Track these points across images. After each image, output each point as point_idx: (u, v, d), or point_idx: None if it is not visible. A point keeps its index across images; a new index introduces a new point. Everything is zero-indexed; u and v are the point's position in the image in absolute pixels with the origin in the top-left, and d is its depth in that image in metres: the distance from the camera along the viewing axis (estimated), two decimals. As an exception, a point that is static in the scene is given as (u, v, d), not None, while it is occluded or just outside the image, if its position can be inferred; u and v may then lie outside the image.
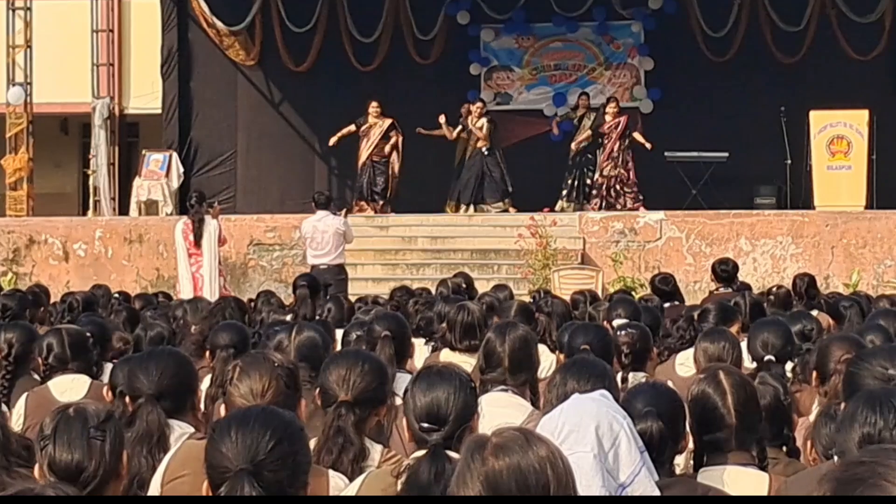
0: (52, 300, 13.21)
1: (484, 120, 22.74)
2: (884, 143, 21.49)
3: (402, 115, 22.57)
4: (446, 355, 7.47)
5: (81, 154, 27.31)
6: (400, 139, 22.33)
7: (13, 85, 24.12)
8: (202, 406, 5.93)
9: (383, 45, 24.98)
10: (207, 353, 7.39)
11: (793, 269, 18.58)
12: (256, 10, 24.73)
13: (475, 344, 6.91)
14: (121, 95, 25.79)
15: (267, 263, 21.16)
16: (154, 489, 4.77)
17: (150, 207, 23.87)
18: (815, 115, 21.01)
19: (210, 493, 3.63)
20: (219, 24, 24.85)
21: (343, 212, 19.08)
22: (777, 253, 19.93)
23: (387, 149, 22.32)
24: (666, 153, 22.80)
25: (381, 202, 22.38)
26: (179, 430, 5.16)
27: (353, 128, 22.53)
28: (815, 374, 6.26)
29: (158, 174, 24.07)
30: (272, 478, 3.55)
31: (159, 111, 25.15)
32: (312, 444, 4.36)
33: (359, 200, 22.64)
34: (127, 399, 5.31)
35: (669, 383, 5.53)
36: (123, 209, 24.34)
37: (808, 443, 5.08)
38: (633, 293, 15.10)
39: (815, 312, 10.10)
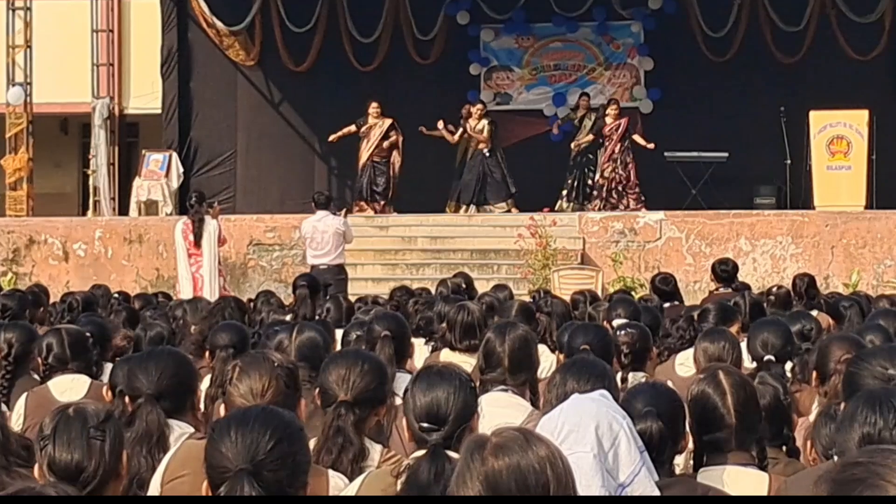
0: (51, 300, 13.20)
1: (484, 122, 22.73)
2: (884, 143, 21.49)
3: (402, 115, 22.57)
4: (446, 355, 7.47)
5: (81, 154, 27.31)
6: (400, 139, 22.33)
7: (13, 85, 24.12)
8: (202, 406, 5.93)
9: (383, 45, 24.98)
10: (207, 353, 7.39)
11: (793, 269, 18.58)
12: (256, 10, 24.73)
13: (475, 344, 6.91)
14: (121, 95, 25.80)
15: (267, 263, 21.16)
16: (154, 489, 4.77)
17: (150, 207, 23.87)
18: (814, 115, 21.01)
19: (210, 493, 3.63)
20: (219, 24, 24.85)
21: (343, 212, 19.08)
22: (777, 253, 19.93)
23: (387, 149, 22.32)
24: (666, 153, 22.81)
25: (382, 202, 22.38)
26: (179, 430, 5.16)
27: (353, 128, 22.54)
28: (815, 374, 6.26)
29: (158, 174, 24.07)
30: (272, 478, 3.55)
31: (159, 111, 25.15)
32: (312, 443, 4.36)
33: (358, 200, 22.64)
34: (126, 399, 5.31)
35: (669, 383, 5.53)
36: (123, 209, 24.34)
37: (808, 443, 5.07)
38: (633, 293, 15.10)
39: (815, 312, 10.10)
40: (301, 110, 25.40)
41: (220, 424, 3.71)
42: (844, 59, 23.58)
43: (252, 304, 11.69)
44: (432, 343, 8.93)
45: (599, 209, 21.92)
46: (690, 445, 4.73)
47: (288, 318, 9.98)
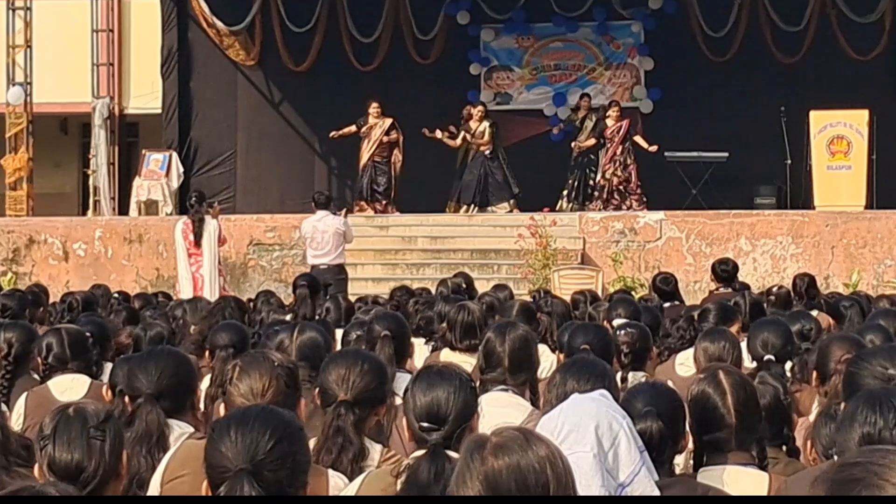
0: (51, 300, 13.20)
1: (485, 124, 22.70)
2: (884, 143, 21.48)
3: (402, 115, 22.57)
4: (446, 355, 7.47)
5: (81, 154, 27.31)
6: (401, 138, 22.34)
7: (13, 85, 24.13)
8: (202, 406, 5.93)
9: (383, 45, 24.98)
10: (207, 352, 7.39)
11: (793, 269, 18.58)
12: (256, 10, 24.73)
13: (475, 344, 6.91)
14: (121, 95, 25.80)
15: (267, 263, 21.16)
16: (153, 489, 4.77)
17: (150, 207, 23.87)
18: (815, 115, 21.01)
19: (209, 493, 3.62)
20: (219, 23, 24.85)
21: (343, 212, 19.08)
22: (777, 253, 19.93)
23: (388, 148, 22.32)
24: (666, 153, 22.81)
25: (384, 201, 22.38)
26: (179, 430, 5.16)
27: (353, 128, 22.54)
28: (815, 373, 6.26)
29: (158, 174, 24.07)
30: (272, 477, 3.55)
31: (159, 111, 25.15)
32: (312, 443, 4.36)
33: (359, 200, 22.65)
34: (126, 399, 5.31)
35: (669, 383, 5.53)
36: (123, 209, 24.34)
37: (808, 443, 5.07)
38: (633, 293, 15.10)
39: (815, 312, 10.10)
40: (301, 110, 25.40)
41: (220, 424, 3.71)
42: (844, 59, 23.58)
43: (252, 304, 11.69)
44: (432, 343, 8.93)
45: (600, 210, 21.91)
46: (690, 445, 4.72)
47: (288, 317, 9.98)
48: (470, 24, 25.32)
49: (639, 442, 4.14)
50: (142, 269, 21.15)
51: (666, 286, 13.11)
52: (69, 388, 6.85)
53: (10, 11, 24.62)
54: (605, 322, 9.04)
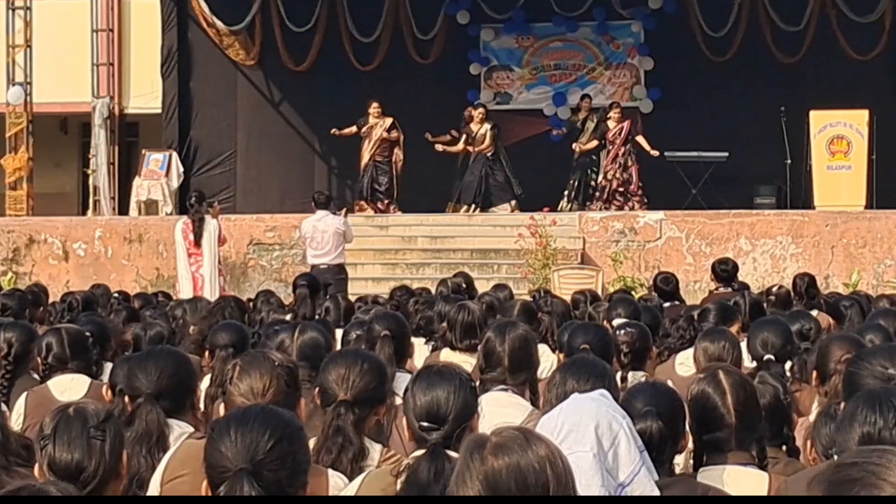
0: (51, 300, 13.20)
1: (486, 127, 22.66)
2: (884, 143, 21.48)
3: (402, 115, 22.57)
4: (446, 355, 7.47)
5: (81, 154, 27.31)
6: (401, 137, 22.34)
7: (13, 84, 24.13)
8: (201, 405, 5.93)
9: (383, 44, 24.98)
10: (207, 352, 7.39)
11: (793, 268, 18.58)
12: (256, 10, 24.73)
13: (475, 343, 6.91)
14: (121, 95, 25.80)
15: (267, 263, 21.16)
16: (153, 489, 4.77)
17: (150, 207, 23.87)
18: (815, 115, 21.00)
19: (209, 493, 3.62)
20: (219, 23, 24.85)
21: (343, 211, 19.07)
22: (777, 253, 19.93)
23: (388, 147, 22.33)
24: (666, 153, 22.80)
25: (386, 201, 22.39)
26: (179, 430, 5.16)
27: (354, 129, 22.54)
28: (815, 373, 6.26)
29: (158, 174, 24.07)
30: (271, 477, 3.55)
31: (159, 111, 25.15)
32: (312, 443, 4.36)
33: (359, 200, 22.65)
34: (126, 398, 5.31)
35: (669, 383, 5.53)
36: (123, 209, 24.34)
37: (808, 442, 5.07)
38: (633, 293, 15.11)
39: (815, 312, 10.10)
40: (301, 110, 25.40)
41: (220, 424, 3.71)
42: (844, 59, 23.59)
43: (252, 304, 11.69)
44: (432, 343, 8.93)
45: (601, 210, 21.92)
46: (690, 445, 4.72)
47: (288, 317, 9.98)
48: (470, 23, 25.32)
49: (638, 442, 4.14)
50: (142, 269, 21.15)
51: (666, 286, 13.11)
52: (69, 387, 6.85)
53: (10, 11, 24.62)
54: (604, 322, 9.03)
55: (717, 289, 13.72)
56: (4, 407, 6.58)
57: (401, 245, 21.14)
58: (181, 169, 24.41)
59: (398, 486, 4.31)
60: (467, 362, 6.57)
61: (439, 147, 22.69)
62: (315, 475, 4.12)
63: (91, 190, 25.02)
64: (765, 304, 10.79)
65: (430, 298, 11.90)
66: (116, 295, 13.76)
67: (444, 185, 22.82)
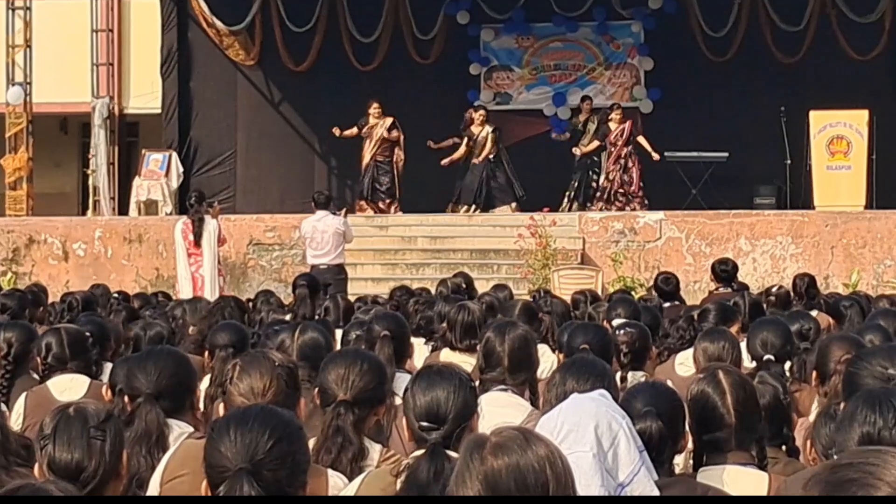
0: (51, 300, 13.20)
1: (488, 129, 22.64)
2: (884, 143, 21.49)
3: (402, 115, 22.57)
4: (446, 355, 7.48)
5: (81, 154, 27.30)
6: (401, 137, 22.34)
7: (13, 84, 24.12)
8: (201, 405, 5.92)
9: (383, 44, 24.98)
10: (206, 352, 7.39)
11: (792, 269, 18.58)
12: (256, 10, 24.73)
13: (475, 343, 6.91)
14: (120, 95, 25.79)
15: (266, 263, 21.16)
16: (153, 489, 4.77)
17: (150, 207, 23.87)
18: (814, 115, 21.00)
19: (209, 493, 3.62)
20: (218, 23, 24.86)
21: (343, 211, 19.07)
22: (777, 253, 19.92)
23: (389, 147, 22.33)
24: (666, 153, 22.81)
25: (388, 200, 22.39)
26: (178, 430, 5.16)
27: (355, 130, 22.53)
28: (814, 373, 6.26)
29: (158, 174, 24.07)
30: (271, 477, 3.55)
31: (159, 111, 25.15)
32: (311, 443, 4.36)
33: (359, 200, 22.66)
34: (126, 398, 5.31)
35: (669, 383, 5.53)
36: (123, 209, 24.34)
37: (808, 443, 5.07)
38: (633, 293, 15.10)
39: (815, 312, 10.10)
40: (301, 110, 25.40)
41: (220, 424, 3.71)
42: (844, 59, 23.59)
43: (252, 304, 11.69)
44: (432, 343, 8.93)
45: (601, 210, 21.93)
46: (690, 445, 4.72)
47: (287, 317, 9.98)
48: (470, 23, 25.32)
49: (638, 442, 4.14)
50: (141, 269, 21.15)
51: (666, 286, 13.11)
52: (68, 387, 6.85)
53: (10, 11, 24.61)
54: (604, 322, 9.03)
55: (716, 289, 13.72)
56: (4, 407, 6.58)
57: (401, 245, 21.14)
58: (181, 169, 24.41)
59: (398, 486, 4.31)
60: (467, 362, 6.57)
61: (445, 161, 22.65)
62: (315, 475, 4.12)
63: (91, 190, 25.02)
64: (764, 305, 10.79)
65: (429, 298, 11.89)
66: (116, 295, 13.76)
67: (444, 185, 22.81)
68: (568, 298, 12.09)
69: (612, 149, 22.52)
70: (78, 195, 27.63)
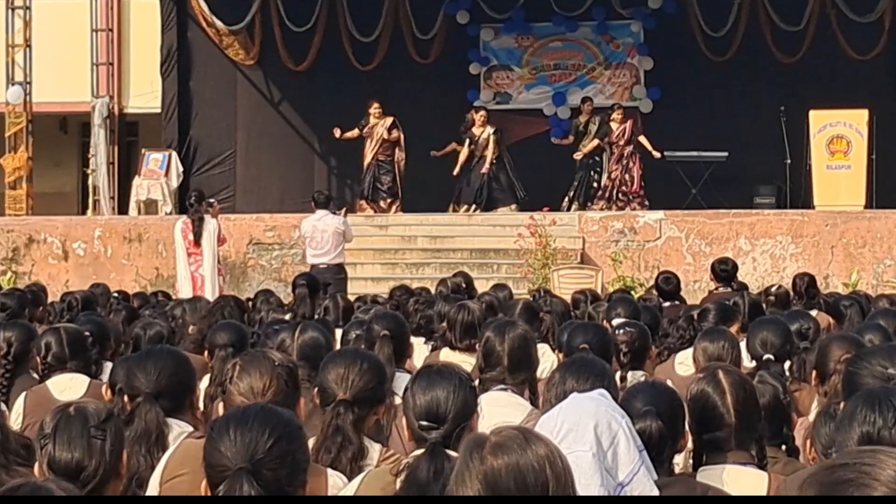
0: (51, 299, 13.20)
1: (489, 130, 22.61)
2: (883, 143, 21.49)
3: (402, 115, 22.57)
4: (446, 354, 7.48)
5: (81, 153, 27.31)
6: (402, 137, 22.34)
7: (12, 84, 24.12)
8: (201, 405, 5.93)
9: (383, 44, 24.98)
10: (206, 352, 7.39)
11: (792, 268, 18.58)
12: (256, 10, 24.73)
13: (475, 343, 6.91)
14: (120, 95, 25.80)
15: (266, 263, 21.16)
16: (153, 488, 4.76)
17: (150, 207, 23.87)
18: (814, 115, 21.00)
19: (209, 492, 3.62)
20: (218, 23, 24.86)
21: (343, 211, 19.08)
22: (777, 252, 19.92)
23: (390, 147, 22.33)
24: (666, 153, 22.81)
25: (389, 200, 22.39)
26: (178, 429, 5.16)
27: (356, 132, 22.52)
28: (814, 373, 6.25)
29: (158, 173, 24.07)
30: (271, 476, 3.55)
31: (159, 110, 25.15)
32: (311, 442, 4.36)
33: (359, 200, 22.67)
34: (126, 398, 5.30)
35: (669, 382, 5.53)
36: (123, 208, 24.35)
37: (808, 442, 5.07)
38: (633, 293, 15.10)
39: (814, 312, 10.10)
40: (301, 110, 25.40)
41: (219, 423, 3.71)
42: (844, 58, 23.59)
43: (251, 304, 11.69)
44: (432, 342, 8.92)
45: (602, 210, 21.93)
46: (690, 445, 4.72)
47: (287, 317, 9.98)
48: (469, 23, 25.32)
49: (638, 441, 4.14)
50: (141, 269, 21.15)
51: (667, 286, 13.11)
52: (68, 387, 6.85)
53: (10, 11, 24.61)
54: (604, 322, 9.03)
55: (716, 289, 13.72)
56: (4, 406, 6.58)
57: (400, 245, 21.14)
58: (181, 168, 24.41)
59: (398, 486, 4.31)
60: (467, 362, 6.57)
61: (456, 171, 22.64)
62: (314, 474, 4.12)
63: (91, 189, 25.02)
64: (763, 305, 10.79)
65: (429, 298, 11.89)
66: (116, 294, 13.76)
67: (445, 185, 22.81)
68: (568, 298, 12.09)
69: (615, 149, 22.52)
70: (78, 195, 27.64)
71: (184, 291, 17.24)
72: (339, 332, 8.36)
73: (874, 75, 23.71)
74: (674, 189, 22.66)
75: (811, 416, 5.80)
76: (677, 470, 4.86)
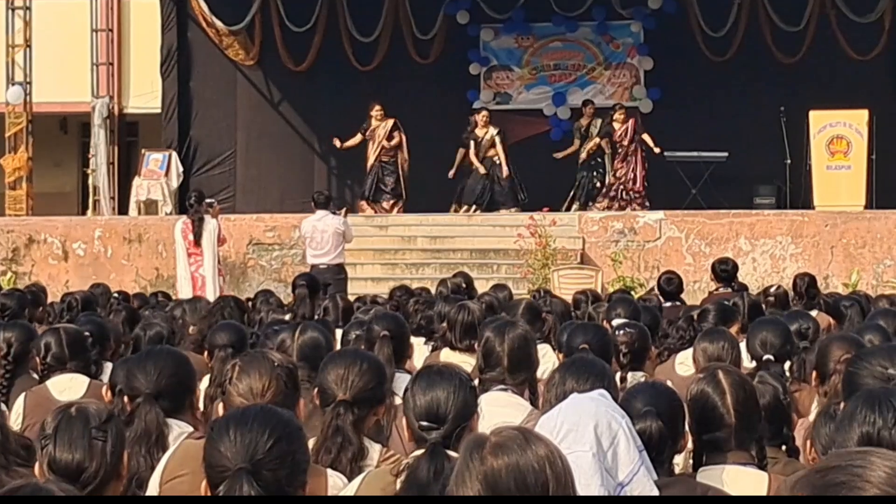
0: (51, 299, 13.20)
1: (493, 131, 22.60)
2: (883, 143, 21.49)
3: (402, 115, 22.57)
4: (446, 355, 7.48)
5: (81, 153, 27.31)
6: (403, 139, 22.34)
7: (13, 84, 24.12)
8: (201, 405, 5.92)
9: (383, 44, 24.98)
10: (206, 352, 7.39)
11: (792, 268, 18.58)
12: (256, 10, 24.73)
13: (475, 343, 6.90)
14: (120, 95, 25.80)
15: (266, 263, 21.16)
16: (153, 489, 4.76)
17: (150, 207, 23.87)
18: (814, 115, 21.00)
19: (209, 493, 3.62)
20: (218, 23, 24.85)
21: (343, 211, 19.08)
22: (776, 253, 19.92)
23: (393, 149, 22.33)
24: (666, 153, 22.81)
25: (392, 201, 22.39)
26: (178, 430, 5.16)
27: (359, 137, 22.51)
28: (814, 373, 6.26)
29: (158, 174, 24.07)
30: (271, 477, 3.55)
31: (159, 110, 25.15)
32: (311, 443, 4.36)
33: (360, 200, 22.68)
34: (126, 398, 5.30)
35: (669, 383, 5.53)
36: (123, 209, 24.35)
37: (808, 443, 5.07)
38: (633, 293, 15.09)
39: (814, 312, 10.10)
40: (301, 110, 25.40)
41: (219, 424, 3.71)
42: (844, 59, 23.59)
43: (251, 304, 11.68)
44: (432, 343, 8.92)
45: (606, 208, 21.94)
46: (690, 445, 4.72)
47: (287, 317, 9.98)
48: (469, 23, 25.32)
49: (638, 441, 4.14)
50: (141, 269, 21.15)
51: (668, 286, 13.11)
52: (68, 387, 6.85)
53: (10, 11, 24.61)
54: (604, 322, 9.02)
55: (716, 289, 13.71)
56: (4, 407, 6.58)
57: (400, 245, 21.15)
58: (181, 169, 24.41)
59: (398, 486, 4.32)
60: (467, 362, 6.58)
61: (451, 172, 22.64)
62: (314, 475, 4.12)
63: (91, 190, 25.02)
64: (763, 305, 10.78)
65: (429, 298, 11.89)
66: (116, 295, 13.76)
67: (445, 185, 22.82)
68: (568, 298, 12.08)
69: (620, 148, 22.53)
70: (78, 195, 27.64)
71: (184, 292, 17.24)
72: (339, 333, 8.36)
73: (874, 75, 23.71)
74: (674, 189, 22.66)
75: (811, 417, 5.80)
76: (677, 470, 4.86)
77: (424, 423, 4.39)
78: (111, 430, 4.14)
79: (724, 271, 13.86)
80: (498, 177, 22.59)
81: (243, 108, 25.53)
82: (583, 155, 22.90)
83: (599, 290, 16.37)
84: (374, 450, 4.87)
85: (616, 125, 22.59)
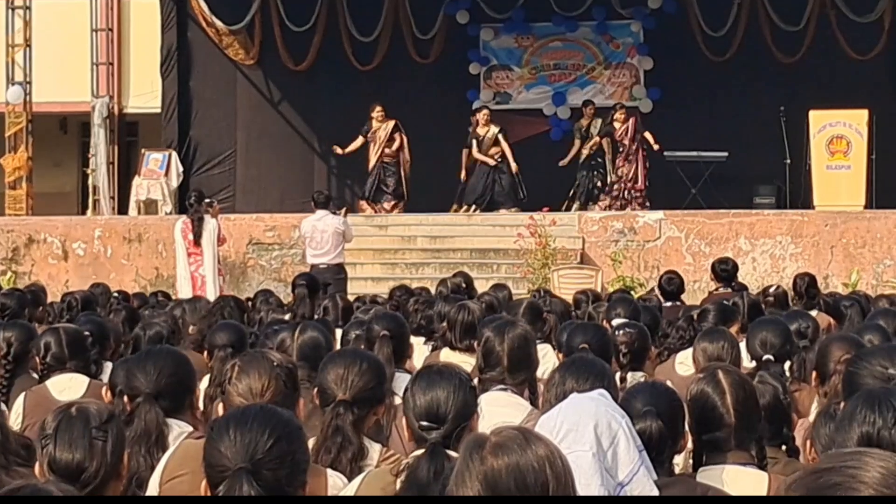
0: (50, 299, 13.20)
1: (494, 130, 22.59)
2: (883, 143, 21.48)
3: (402, 115, 22.57)
4: (446, 354, 7.48)
5: (81, 153, 27.31)
6: (404, 140, 22.34)
7: (12, 84, 24.12)
8: (201, 405, 5.92)
9: (383, 44, 24.98)
10: (206, 352, 7.39)
11: (792, 268, 18.58)
12: (256, 10, 24.73)
13: (475, 343, 6.90)
14: (120, 94, 25.80)
15: (266, 263, 21.16)
16: (152, 488, 4.76)
17: (150, 207, 23.87)
18: (814, 115, 20.99)
19: (209, 493, 3.62)
20: (218, 23, 24.85)
21: (343, 211, 19.08)
22: (776, 253, 19.92)
23: (393, 150, 22.32)
24: (666, 153, 22.81)
25: (393, 201, 22.39)
26: (178, 430, 5.15)
27: (360, 140, 22.49)
28: (814, 374, 6.25)
29: (158, 173, 24.06)
30: (271, 476, 3.55)
31: (159, 110, 25.15)
32: (311, 443, 4.36)
33: (360, 200, 22.68)
34: (126, 398, 5.30)
35: (669, 383, 5.52)
36: (123, 208, 24.35)
37: (808, 443, 5.07)
38: (633, 293, 15.09)
39: (814, 312, 10.10)
40: (301, 110, 25.40)
41: (219, 423, 3.71)
42: (844, 58, 23.58)
43: (251, 304, 11.68)
44: (432, 342, 8.92)
45: (607, 207, 21.93)
46: (690, 445, 4.72)
47: (287, 317, 9.98)
48: (469, 23, 25.32)
49: (638, 441, 4.14)
50: (141, 269, 21.15)
51: (669, 286, 13.11)
52: (67, 387, 6.85)
53: (10, 10, 24.61)
54: (604, 322, 9.02)
55: (716, 289, 13.71)
56: (3, 406, 6.57)
57: (400, 245, 21.14)
58: (181, 168, 24.41)
59: (398, 486, 4.31)
60: (467, 362, 6.57)
61: (464, 175, 22.66)
62: (314, 475, 4.12)
63: (90, 189, 25.02)
64: (762, 305, 10.78)
65: (429, 298, 11.88)
66: (116, 294, 13.76)
67: (445, 185, 22.82)
68: (567, 298, 12.08)
69: (622, 147, 22.53)
70: (78, 195, 27.64)
71: (184, 291, 17.24)
72: (338, 332, 8.36)
73: (874, 75, 23.71)
74: (674, 189, 22.66)
75: (811, 417, 5.80)
76: (677, 470, 4.86)
77: (424, 423, 4.39)
78: (111, 430, 4.14)
79: (724, 271, 13.86)
80: (500, 175, 22.58)
81: (243, 108, 25.53)
82: (584, 152, 22.89)
83: (599, 290, 16.37)
84: (374, 450, 4.87)
85: (616, 125, 22.59)
